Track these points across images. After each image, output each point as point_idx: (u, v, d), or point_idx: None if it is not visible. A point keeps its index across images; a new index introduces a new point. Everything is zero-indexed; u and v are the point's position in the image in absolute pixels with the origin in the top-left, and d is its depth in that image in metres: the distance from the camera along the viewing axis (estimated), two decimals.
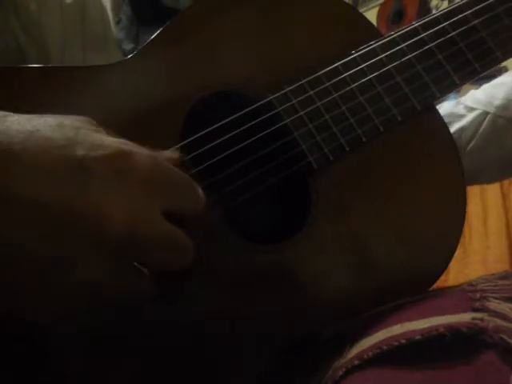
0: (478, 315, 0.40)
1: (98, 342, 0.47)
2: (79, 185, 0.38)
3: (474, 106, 0.74)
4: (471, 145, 0.74)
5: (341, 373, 0.41)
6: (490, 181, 0.84)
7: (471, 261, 1.89)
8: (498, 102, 0.73)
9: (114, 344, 0.47)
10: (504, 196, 1.96)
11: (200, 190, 0.44)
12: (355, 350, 0.43)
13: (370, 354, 0.41)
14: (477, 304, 0.42)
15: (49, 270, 0.37)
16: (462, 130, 0.74)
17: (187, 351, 0.49)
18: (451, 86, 0.56)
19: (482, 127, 0.73)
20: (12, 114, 0.39)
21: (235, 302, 0.50)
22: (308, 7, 0.59)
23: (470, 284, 0.46)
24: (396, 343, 0.40)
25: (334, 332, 0.50)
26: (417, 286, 0.52)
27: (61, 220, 0.37)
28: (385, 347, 0.41)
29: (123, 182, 0.40)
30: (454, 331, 0.39)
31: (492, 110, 0.73)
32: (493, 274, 0.48)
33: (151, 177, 0.41)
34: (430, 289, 0.54)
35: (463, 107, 0.76)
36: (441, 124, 0.57)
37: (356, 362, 0.41)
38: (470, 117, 0.75)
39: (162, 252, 0.41)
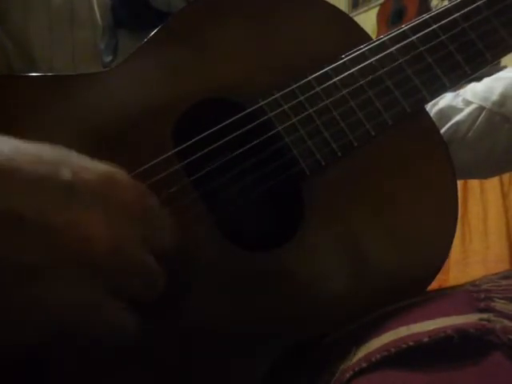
0: (484, 316, 0.41)
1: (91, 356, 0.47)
2: (63, 203, 0.38)
3: (472, 100, 0.74)
4: (466, 139, 0.74)
5: (348, 375, 0.42)
6: (483, 176, 0.84)
7: (471, 261, 1.90)
8: (494, 98, 0.73)
9: (110, 357, 0.47)
10: (504, 196, 1.97)
11: (175, 226, 0.45)
12: (362, 352, 0.43)
13: (378, 356, 0.41)
14: (482, 304, 0.43)
15: (17, 280, 0.37)
16: (458, 123, 0.74)
17: (188, 357, 0.49)
18: (442, 89, 0.56)
19: (477, 122, 0.74)
20: None
21: (234, 307, 0.51)
22: (296, 12, 0.59)
23: (473, 284, 0.47)
24: (404, 345, 0.41)
25: (338, 334, 0.50)
26: (414, 286, 0.53)
27: (39, 233, 0.37)
28: (393, 349, 0.41)
29: (108, 207, 0.40)
30: (461, 333, 0.39)
31: (488, 105, 0.73)
32: (495, 274, 0.49)
33: (135, 205, 0.42)
34: (431, 289, 0.54)
35: (461, 100, 0.76)
36: (431, 125, 0.58)
37: (364, 365, 0.42)
38: (466, 111, 0.75)
39: (140, 278, 0.42)
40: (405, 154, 0.56)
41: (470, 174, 0.80)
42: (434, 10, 0.57)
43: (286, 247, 0.52)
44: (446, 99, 0.78)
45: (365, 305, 0.51)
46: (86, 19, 0.59)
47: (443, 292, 0.50)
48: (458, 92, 0.79)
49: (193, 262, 0.50)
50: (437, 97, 0.57)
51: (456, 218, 0.55)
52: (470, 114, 0.75)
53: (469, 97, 0.75)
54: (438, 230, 0.55)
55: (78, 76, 0.55)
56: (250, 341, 0.50)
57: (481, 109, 0.74)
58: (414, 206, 0.55)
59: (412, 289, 0.52)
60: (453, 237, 0.55)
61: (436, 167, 0.56)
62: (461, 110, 0.76)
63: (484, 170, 0.79)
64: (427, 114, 0.58)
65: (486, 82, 0.76)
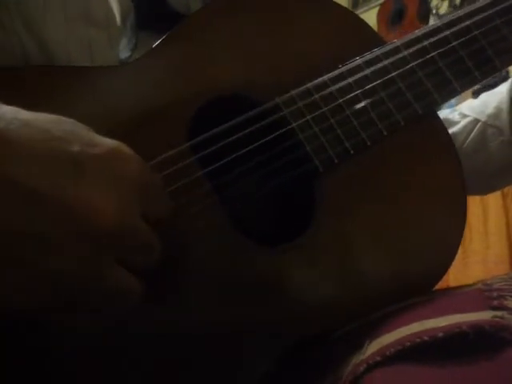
0: (498, 313, 0.42)
1: (96, 354, 0.48)
2: (72, 178, 0.40)
3: (467, 113, 0.76)
4: (461, 150, 0.75)
5: (362, 369, 0.43)
6: (478, 190, 0.84)
7: (471, 261, 1.91)
8: (489, 111, 0.74)
9: (114, 353, 0.48)
10: (504, 196, 1.98)
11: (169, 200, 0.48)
12: (375, 347, 0.44)
13: (393, 350, 0.42)
14: (495, 302, 0.44)
15: (28, 250, 0.38)
16: (454, 135, 0.75)
17: (191, 353, 0.50)
18: (452, 93, 0.58)
19: (472, 134, 0.75)
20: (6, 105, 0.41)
21: (238, 301, 0.51)
22: (310, 12, 0.60)
23: (484, 283, 0.48)
24: (419, 340, 0.42)
25: (343, 332, 0.51)
26: (420, 286, 0.54)
27: (49, 205, 0.39)
28: (407, 344, 0.42)
29: (113, 181, 0.42)
30: (476, 329, 0.40)
31: (483, 118, 0.74)
32: (506, 274, 0.50)
33: (138, 179, 0.43)
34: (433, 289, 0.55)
35: (458, 114, 0.78)
36: (441, 127, 0.59)
37: (378, 358, 0.43)
38: (462, 123, 0.76)
39: (141, 248, 0.43)
40: (415, 154, 0.58)
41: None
42: (446, 16, 0.60)
43: (295, 244, 0.53)
44: (442, 113, 0.79)
45: (369, 304, 0.52)
46: (101, 19, 0.59)
47: (453, 291, 0.51)
48: (454, 108, 0.80)
49: (201, 251, 0.51)
50: (448, 100, 0.58)
51: (464, 218, 0.56)
52: (465, 127, 0.76)
53: (465, 110, 0.77)
54: (448, 228, 0.56)
55: (94, 68, 0.56)
56: (250, 339, 0.51)
57: (476, 121, 0.75)
58: (424, 205, 0.57)
59: (418, 288, 0.53)
60: (461, 234, 0.56)
61: (445, 168, 0.58)
62: (457, 122, 0.77)
63: (479, 184, 0.79)
64: (437, 116, 0.59)
65: (482, 97, 0.78)
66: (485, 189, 0.83)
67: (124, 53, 0.63)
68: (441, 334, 0.41)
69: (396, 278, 0.54)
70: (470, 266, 1.90)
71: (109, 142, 0.43)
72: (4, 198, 0.38)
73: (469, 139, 0.75)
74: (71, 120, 0.43)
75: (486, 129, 0.74)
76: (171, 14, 0.67)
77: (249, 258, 0.52)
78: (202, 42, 0.58)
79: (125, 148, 0.43)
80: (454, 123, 0.76)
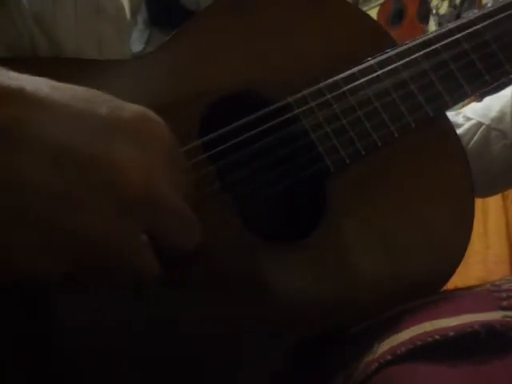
0: (509, 313, 0.42)
1: (99, 353, 0.48)
2: (102, 138, 0.40)
3: (471, 116, 0.77)
4: None
5: (373, 367, 0.43)
6: (478, 194, 0.84)
7: (471, 261, 1.92)
8: (493, 114, 0.75)
9: (113, 352, 0.48)
10: (504, 196, 1.99)
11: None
12: (386, 346, 0.45)
13: (404, 349, 0.43)
14: (504, 303, 0.44)
15: (55, 206, 0.38)
16: None
17: (195, 352, 0.50)
18: (463, 96, 0.59)
19: (475, 137, 0.76)
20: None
21: (244, 299, 0.52)
22: (325, 12, 0.61)
23: (493, 284, 0.49)
24: (430, 339, 0.42)
25: (357, 330, 0.52)
26: (429, 286, 0.55)
27: (79, 163, 0.39)
28: (419, 343, 0.43)
29: (143, 145, 0.41)
30: (487, 328, 0.41)
31: (487, 121, 0.75)
32: None
33: (166, 144, 0.43)
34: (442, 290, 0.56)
35: (462, 117, 0.79)
36: (451, 130, 0.60)
37: (389, 357, 0.43)
38: (465, 126, 0.77)
39: (173, 224, 0.43)
40: (425, 156, 0.58)
41: None
42: (459, 20, 0.60)
43: (304, 243, 0.54)
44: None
45: (379, 304, 0.53)
46: (111, 13, 0.59)
47: (461, 291, 0.52)
48: (458, 111, 0.81)
49: (209, 248, 0.51)
50: (458, 103, 0.59)
51: (472, 220, 0.57)
52: (469, 129, 0.77)
53: (469, 114, 0.78)
54: (456, 229, 0.57)
55: (101, 62, 0.56)
56: (251, 339, 0.51)
57: (479, 124, 0.76)
58: (432, 207, 0.57)
59: (426, 289, 0.54)
60: (469, 235, 0.57)
61: (454, 170, 0.58)
62: (461, 125, 0.78)
63: (481, 187, 0.79)
64: (448, 118, 0.60)
65: (486, 100, 0.79)
66: (486, 192, 0.84)
67: (137, 46, 0.63)
68: (452, 334, 0.42)
69: (404, 279, 0.55)
70: (470, 266, 1.91)
71: (136, 107, 0.43)
72: (33, 158, 0.38)
73: (472, 142, 0.76)
74: (94, 89, 0.43)
75: (489, 132, 0.75)
76: (181, 11, 0.67)
77: (258, 256, 0.53)
78: (212, 39, 0.58)
79: (152, 113, 0.43)
80: (458, 126, 0.77)
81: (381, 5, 3.25)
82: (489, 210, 1.97)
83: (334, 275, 0.54)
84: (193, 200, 0.45)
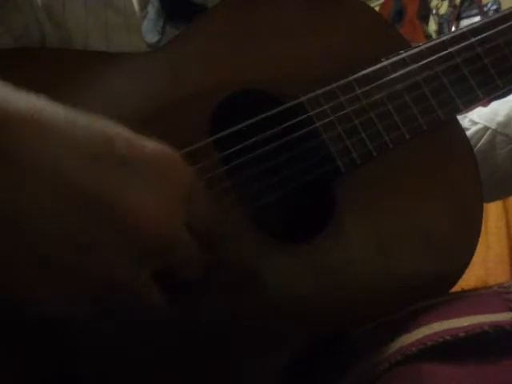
0: None
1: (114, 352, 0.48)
2: (119, 180, 0.39)
3: (477, 121, 0.77)
4: None
5: (383, 367, 0.44)
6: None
7: (471, 261, 1.91)
8: (499, 119, 0.76)
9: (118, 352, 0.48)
10: None
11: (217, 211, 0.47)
12: (396, 346, 0.46)
13: (414, 349, 0.44)
14: None
15: (75, 253, 0.37)
16: None
17: (208, 353, 0.50)
18: (475, 100, 0.60)
19: (481, 142, 0.76)
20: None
21: (254, 300, 0.52)
22: (339, 13, 0.61)
23: (501, 286, 0.50)
24: (440, 339, 0.43)
25: (367, 330, 0.52)
26: (437, 287, 0.55)
27: (94, 206, 0.37)
28: (429, 343, 0.44)
29: (162, 186, 0.40)
30: (497, 329, 0.42)
31: (493, 125, 0.76)
32: None
33: (186, 186, 0.42)
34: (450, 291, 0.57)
35: (468, 120, 0.79)
36: (462, 134, 0.61)
37: (399, 357, 0.44)
38: (472, 130, 0.78)
39: (185, 263, 0.43)
40: (435, 159, 0.59)
41: None
42: (473, 23, 0.61)
43: (315, 242, 0.54)
44: None
45: (387, 304, 0.53)
46: (119, 5, 0.59)
47: (469, 293, 0.53)
48: (465, 115, 0.81)
49: (223, 249, 0.51)
50: (469, 107, 0.60)
51: (481, 221, 0.58)
52: (475, 133, 0.77)
53: (475, 118, 0.78)
54: (464, 231, 0.58)
55: (116, 55, 0.56)
56: (265, 337, 0.51)
57: (485, 129, 0.76)
58: (442, 209, 0.58)
59: (435, 290, 0.54)
60: (478, 237, 0.58)
61: (464, 174, 0.59)
62: (467, 129, 0.78)
63: (485, 192, 0.80)
64: (458, 122, 0.61)
65: (493, 104, 0.79)
66: (490, 197, 0.84)
67: (153, 37, 0.64)
68: (462, 334, 0.43)
69: (412, 279, 0.55)
70: (470, 265, 1.91)
71: (155, 144, 0.41)
72: (46, 199, 0.36)
73: (478, 146, 0.77)
74: (107, 119, 0.41)
75: (495, 136, 0.75)
76: (189, 5, 0.67)
77: (270, 256, 0.53)
78: (227, 34, 0.58)
79: (172, 152, 0.42)
80: (464, 130, 0.77)
81: (381, 5, 3.24)
82: (489, 210, 1.97)
83: (341, 276, 0.54)
84: (220, 225, 0.46)
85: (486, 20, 0.61)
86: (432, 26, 3.10)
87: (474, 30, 0.60)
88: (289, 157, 0.55)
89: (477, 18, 2.92)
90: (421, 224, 0.57)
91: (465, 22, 2.98)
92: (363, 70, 0.58)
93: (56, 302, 0.39)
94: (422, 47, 0.59)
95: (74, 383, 0.47)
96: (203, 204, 0.45)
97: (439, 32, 3.05)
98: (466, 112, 0.80)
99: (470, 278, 1.49)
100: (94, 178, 0.38)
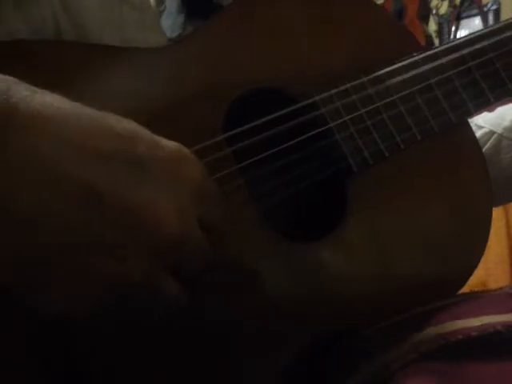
0: None
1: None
2: (136, 180, 0.39)
3: (483, 125, 0.78)
4: None
5: (396, 366, 0.45)
6: None
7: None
8: (506, 124, 0.76)
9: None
10: None
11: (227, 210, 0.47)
12: (409, 345, 0.46)
13: (427, 347, 0.45)
14: None
15: (85, 252, 0.37)
16: None
17: (208, 352, 0.50)
18: (485, 104, 0.61)
19: (487, 146, 0.77)
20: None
21: (255, 299, 0.52)
22: (355, 14, 0.62)
23: (511, 288, 0.51)
24: (453, 339, 0.44)
25: (377, 329, 0.53)
26: (444, 289, 0.56)
27: (110, 208, 0.37)
28: (442, 341, 0.45)
29: (177, 186, 0.41)
30: (510, 329, 0.43)
31: (499, 130, 0.76)
32: None
33: (201, 186, 0.43)
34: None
35: (474, 125, 0.79)
36: (472, 137, 0.62)
37: (413, 355, 0.45)
38: (477, 134, 0.78)
39: (196, 259, 0.43)
40: (445, 161, 0.60)
41: None
42: (486, 28, 0.62)
43: (325, 241, 0.54)
44: None
45: (396, 303, 0.54)
46: (135, 1, 0.59)
47: (480, 294, 0.54)
48: (471, 120, 0.82)
49: (233, 247, 0.51)
50: (480, 110, 0.61)
51: (489, 223, 0.59)
52: (481, 137, 0.77)
53: (481, 122, 0.79)
54: (472, 233, 0.59)
55: (131, 49, 0.56)
56: (271, 336, 0.52)
57: (491, 133, 0.77)
58: (451, 210, 0.59)
59: (443, 290, 0.55)
60: (486, 239, 0.58)
61: (473, 177, 0.60)
62: None
63: None
64: (469, 125, 0.62)
65: (499, 109, 0.80)
66: (495, 201, 0.84)
67: (173, 32, 0.64)
68: (475, 333, 0.44)
69: (416, 280, 0.56)
70: None
71: (171, 144, 0.42)
72: (65, 198, 0.36)
73: (483, 150, 0.77)
74: (127, 119, 0.41)
75: (501, 141, 0.76)
76: (207, 3, 0.67)
77: (281, 254, 0.53)
78: (243, 32, 0.58)
79: (187, 151, 0.42)
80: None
81: (381, 5, 3.25)
82: None
83: (353, 273, 0.55)
84: (228, 222, 0.46)
85: (499, 25, 0.62)
86: (432, 26, 3.10)
87: (488, 35, 0.61)
88: (301, 155, 0.56)
89: (477, 18, 2.92)
90: (427, 225, 0.58)
91: (465, 22, 2.99)
92: (376, 71, 0.59)
93: (69, 302, 0.39)
94: (436, 50, 0.60)
95: (83, 381, 0.47)
96: (213, 200, 0.45)
97: (439, 32, 3.05)
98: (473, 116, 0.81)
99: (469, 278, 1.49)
100: (109, 177, 0.38)
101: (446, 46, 0.61)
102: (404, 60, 0.60)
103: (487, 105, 0.60)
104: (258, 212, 0.54)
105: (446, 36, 3.02)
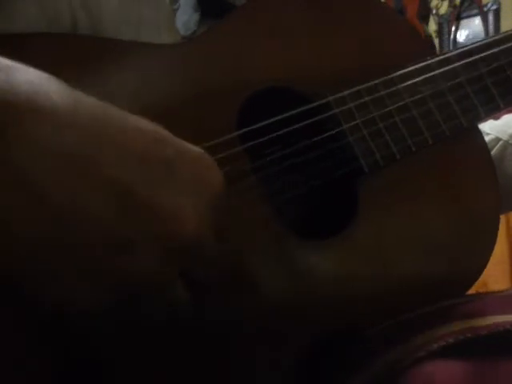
0: None
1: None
2: (163, 182, 0.39)
3: (489, 132, 0.78)
4: None
5: (406, 363, 0.45)
6: None
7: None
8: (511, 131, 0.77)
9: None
10: None
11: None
12: (417, 343, 0.47)
13: (436, 346, 0.45)
14: None
15: (112, 249, 0.38)
16: None
17: (209, 352, 0.50)
18: (496, 109, 0.62)
19: (492, 152, 0.77)
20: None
21: (264, 298, 0.52)
22: (370, 16, 0.63)
23: None
24: (462, 337, 0.45)
25: (374, 332, 0.53)
26: (453, 289, 0.57)
27: (137, 208, 0.38)
28: (451, 340, 0.45)
29: (199, 192, 0.41)
30: None
31: (505, 137, 0.77)
32: None
33: (220, 192, 0.43)
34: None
35: None
36: (482, 143, 0.63)
37: (421, 353, 0.45)
38: None
39: (208, 260, 0.43)
40: (455, 165, 0.61)
41: None
42: (499, 34, 0.63)
43: (335, 240, 0.55)
44: None
45: (403, 303, 0.55)
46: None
47: (490, 295, 0.55)
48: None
49: (245, 244, 0.52)
50: (490, 115, 0.62)
51: (496, 228, 0.60)
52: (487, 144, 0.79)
53: (487, 129, 0.79)
54: (480, 236, 0.60)
55: (146, 45, 0.56)
56: (270, 334, 0.52)
57: (497, 140, 0.77)
58: (459, 213, 0.60)
59: (452, 291, 0.56)
60: (494, 242, 0.60)
61: (483, 181, 0.61)
62: None
63: None
64: (479, 131, 0.63)
65: (505, 117, 0.81)
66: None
67: (187, 30, 0.65)
68: (484, 332, 0.45)
69: (427, 280, 0.57)
70: None
71: (196, 149, 0.42)
72: (92, 192, 0.36)
73: None
74: (153, 123, 0.41)
75: (506, 148, 0.77)
76: (220, 3, 0.68)
77: (292, 252, 0.54)
78: (257, 31, 0.59)
79: (208, 157, 0.43)
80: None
81: None
82: None
83: (363, 272, 0.55)
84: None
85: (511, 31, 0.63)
86: (432, 26, 3.11)
87: (499, 41, 0.62)
88: (313, 155, 0.57)
89: (477, 18, 2.93)
90: (434, 228, 0.59)
91: (465, 22, 2.99)
92: (389, 73, 0.59)
93: (92, 300, 0.39)
94: (448, 55, 0.61)
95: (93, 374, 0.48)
96: (225, 212, 0.45)
97: (439, 32, 3.06)
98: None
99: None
100: (137, 176, 0.38)
101: (458, 51, 0.62)
102: (416, 63, 0.61)
103: (498, 110, 0.62)
104: (269, 210, 0.54)
105: (446, 36, 3.03)
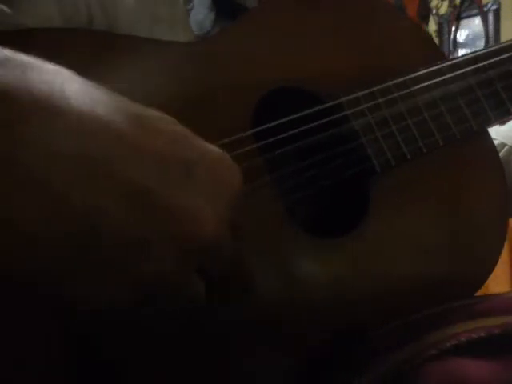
0: None
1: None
2: (182, 183, 0.39)
3: (495, 137, 0.78)
4: None
5: (418, 361, 0.45)
6: None
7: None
8: None
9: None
10: None
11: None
12: (428, 342, 0.47)
13: (448, 344, 0.46)
14: None
15: (127, 249, 0.37)
16: None
17: (211, 352, 0.50)
18: (505, 114, 0.64)
19: None
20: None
21: (264, 298, 0.52)
22: (383, 18, 0.64)
23: None
24: (475, 336, 0.46)
25: (381, 332, 0.54)
26: (463, 289, 0.58)
27: (155, 209, 0.37)
28: (463, 339, 0.46)
29: (219, 194, 0.41)
30: None
31: (510, 142, 0.78)
32: None
33: (238, 193, 0.43)
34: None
35: None
36: (492, 146, 0.64)
37: (433, 352, 0.46)
38: None
39: (223, 260, 0.43)
40: (465, 167, 0.62)
41: None
42: (509, 40, 0.64)
43: (346, 239, 0.56)
44: None
45: (411, 303, 0.55)
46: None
47: (500, 296, 0.55)
48: None
49: (256, 242, 0.52)
50: (499, 120, 0.64)
51: (504, 229, 0.61)
52: None
53: (493, 134, 0.80)
54: (488, 239, 0.61)
55: (160, 42, 0.57)
56: (272, 334, 0.52)
57: (503, 145, 0.78)
58: (467, 215, 0.61)
59: (458, 293, 0.57)
60: (502, 245, 0.61)
61: (491, 185, 0.62)
62: None
63: None
64: (489, 134, 0.64)
65: (511, 123, 0.81)
66: None
67: (201, 29, 0.65)
68: (497, 331, 0.45)
69: (436, 281, 0.58)
70: None
71: (216, 150, 0.42)
72: (112, 194, 0.36)
73: None
74: (172, 118, 0.41)
75: (511, 153, 0.77)
76: (233, 4, 0.69)
77: (303, 251, 0.55)
78: (271, 31, 0.60)
79: (228, 157, 0.43)
80: None
81: None
82: None
83: (372, 271, 0.56)
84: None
85: None
86: (432, 26, 3.12)
87: (508, 47, 0.64)
88: (326, 156, 0.58)
89: (477, 18, 2.94)
90: (446, 228, 0.60)
91: (465, 22, 3.01)
92: (401, 75, 0.61)
93: (105, 299, 0.39)
94: (459, 60, 0.63)
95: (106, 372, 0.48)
96: (241, 210, 0.45)
97: (439, 32, 3.07)
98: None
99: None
100: (155, 176, 0.38)
101: (468, 56, 0.63)
102: (428, 67, 0.62)
103: (507, 115, 0.63)
104: (281, 209, 0.55)
105: (446, 36, 3.04)
